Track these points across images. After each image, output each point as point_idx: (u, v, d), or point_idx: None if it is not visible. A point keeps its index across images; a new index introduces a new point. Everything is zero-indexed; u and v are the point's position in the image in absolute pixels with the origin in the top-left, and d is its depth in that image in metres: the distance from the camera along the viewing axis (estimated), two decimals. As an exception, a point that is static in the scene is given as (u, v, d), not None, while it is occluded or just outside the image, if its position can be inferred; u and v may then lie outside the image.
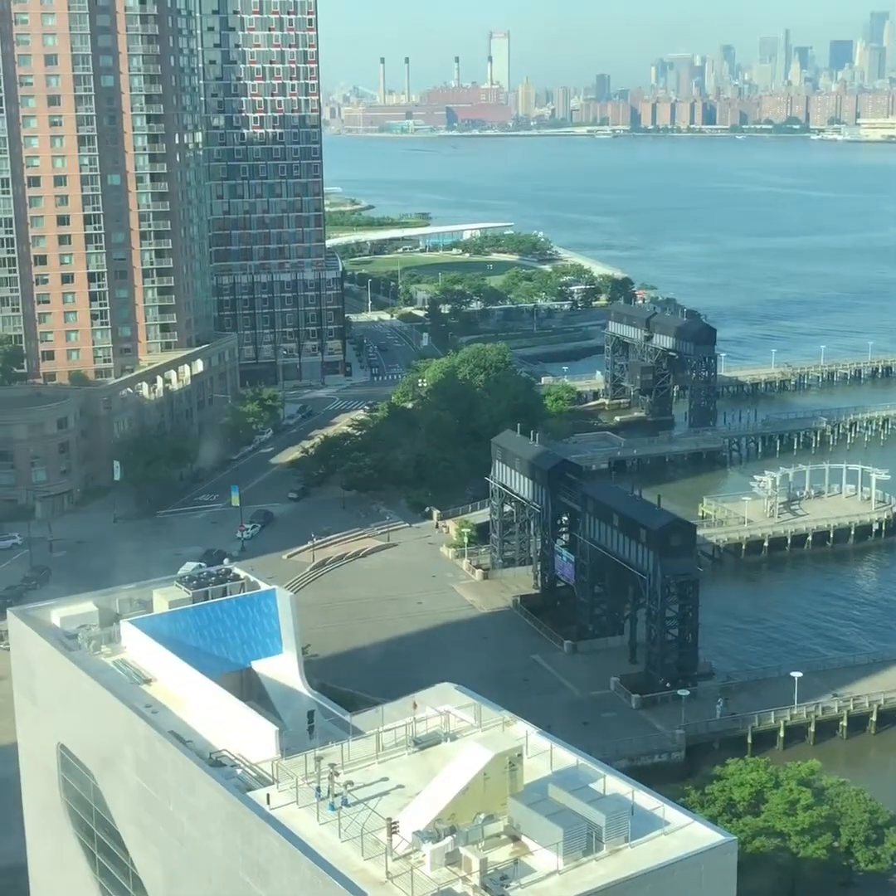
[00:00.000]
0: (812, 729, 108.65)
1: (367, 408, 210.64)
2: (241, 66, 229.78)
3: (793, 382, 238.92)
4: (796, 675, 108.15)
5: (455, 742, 46.88)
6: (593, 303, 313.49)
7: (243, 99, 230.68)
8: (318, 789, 43.47)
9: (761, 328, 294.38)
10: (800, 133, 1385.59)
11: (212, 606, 57.64)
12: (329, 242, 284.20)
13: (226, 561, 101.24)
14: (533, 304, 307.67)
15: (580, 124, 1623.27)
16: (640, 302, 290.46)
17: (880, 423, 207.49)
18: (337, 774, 44.08)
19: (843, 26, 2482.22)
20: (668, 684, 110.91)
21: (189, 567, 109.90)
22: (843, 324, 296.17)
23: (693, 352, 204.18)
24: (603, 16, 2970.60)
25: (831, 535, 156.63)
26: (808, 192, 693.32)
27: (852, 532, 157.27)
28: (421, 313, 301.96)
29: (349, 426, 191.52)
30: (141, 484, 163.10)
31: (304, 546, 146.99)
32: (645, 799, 42.29)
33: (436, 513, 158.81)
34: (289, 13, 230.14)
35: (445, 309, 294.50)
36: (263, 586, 59.73)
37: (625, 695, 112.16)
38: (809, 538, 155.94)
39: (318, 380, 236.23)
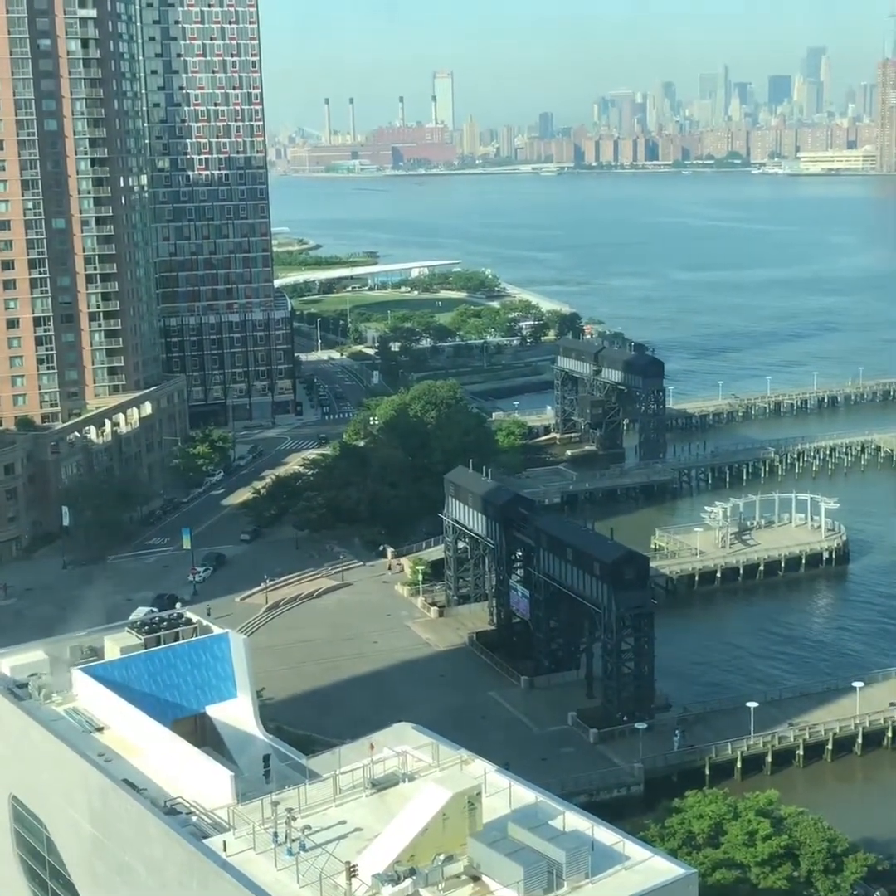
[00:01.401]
0: (769, 759, 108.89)
1: (319, 441, 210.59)
2: (186, 108, 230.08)
3: (740, 414, 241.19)
4: (752, 705, 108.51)
5: (413, 782, 46.61)
6: (542, 338, 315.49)
7: (188, 141, 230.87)
8: (276, 834, 43.02)
9: (708, 360, 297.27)
10: (741, 167, 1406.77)
11: (164, 652, 57.11)
12: (277, 282, 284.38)
13: (178, 605, 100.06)
14: (482, 341, 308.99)
15: (525, 162, 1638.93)
16: (588, 336, 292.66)
17: (827, 452, 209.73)
18: (294, 819, 43.69)
19: (781, 62, 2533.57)
20: (625, 718, 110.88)
21: (140, 612, 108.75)
22: (789, 355, 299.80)
23: (642, 385, 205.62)
24: (544, 55, 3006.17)
25: (783, 565, 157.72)
26: (750, 225, 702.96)
27: (803, 561, 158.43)
28: (371, 351, 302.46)
29: (301, 465, 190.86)
30: (90, 529, 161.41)
31: (258, 588, 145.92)
32: (605, 834, 42.21)
33: (390, 551, 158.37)
34: (232, 55, 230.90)
35: (395, 347, 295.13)
36: (216, 630, 59.23)
37: (582, 729, 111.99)
38: (761, 568, 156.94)
39: (269, 420, 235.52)
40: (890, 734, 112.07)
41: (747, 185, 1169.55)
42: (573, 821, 42.53)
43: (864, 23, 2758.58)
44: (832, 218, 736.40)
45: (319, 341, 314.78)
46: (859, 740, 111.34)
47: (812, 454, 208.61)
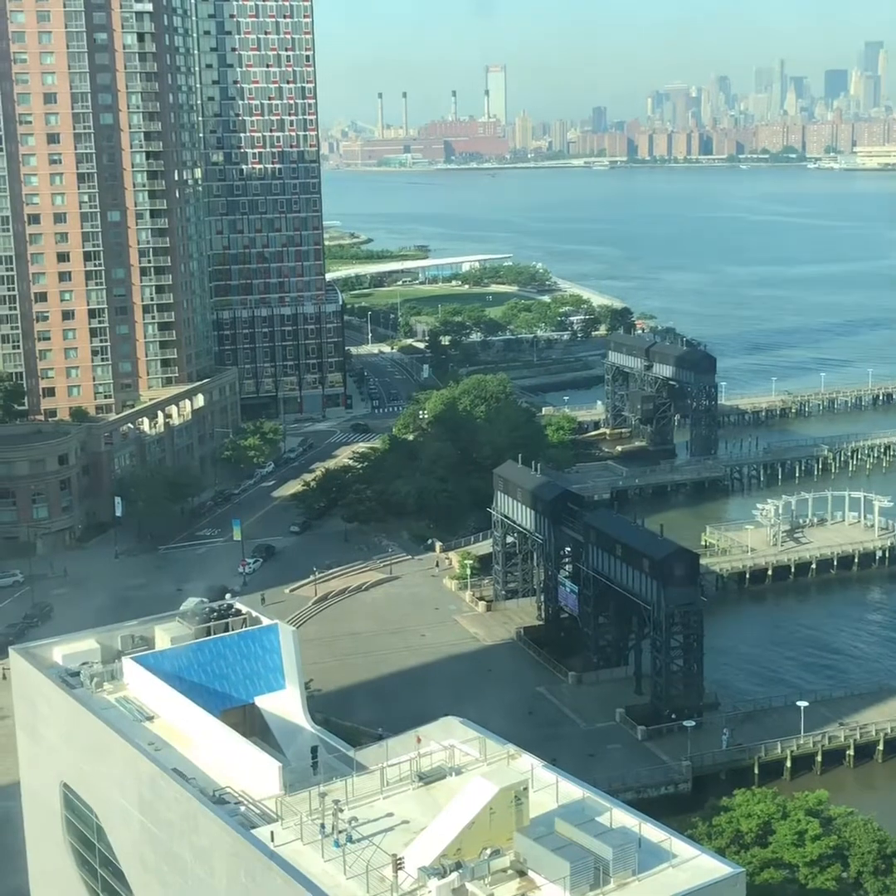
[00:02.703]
0: (819, 758, 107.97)
1: (355, 429, 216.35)
2: (240, 102, 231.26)
3: (794, 410, 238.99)
4: (802, 704, 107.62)
5: (460, 776, 46.55)
6: (593, 333, 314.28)
7: (242, 135, 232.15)
8: (323, 826, 43.12)
9: (761, 356, 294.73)
10: (796, 162, 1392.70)
11: (214, 642, 57.39)
12: (329, 276, 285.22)
13: (228, 596, 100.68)
14: (533, 335, 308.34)
15: (577, 156, 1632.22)
16: (640, 331, 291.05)
17: (882, 450, 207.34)
18: (341, 810, 43.76)
19: (837, 56, 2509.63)
20: (673, 715, 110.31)
21: (191, 603, 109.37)
22: (844, 351, 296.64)
23: (693, 380, 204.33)
24: (599, 48, 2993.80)
25: (835, 563, 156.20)
26: (807, 220, 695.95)
27: (856, 560, 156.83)
28: (421, 345, 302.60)
29: (350, 459, 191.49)
30: (142, 519, 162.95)
31: (307, 580, 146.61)
32: (652, 831, 41.95)
33: (438, 545, 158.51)
34: (287, 50, 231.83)
35: (445, 340, 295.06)
36: (265, 621, 59.48)
37: (630, 726, 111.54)
38: (813, 566, 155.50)
39: (319, 413, 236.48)
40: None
41: (802, 179, 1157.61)
42: (620, 817, 42.31)
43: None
44: (889, 213, 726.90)
45: (370, 335, 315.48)
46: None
47: (866, 452, 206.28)
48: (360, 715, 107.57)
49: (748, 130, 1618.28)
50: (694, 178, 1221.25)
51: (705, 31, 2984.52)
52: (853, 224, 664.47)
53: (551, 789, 44.30)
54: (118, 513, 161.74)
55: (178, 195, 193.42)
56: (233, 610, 60.78)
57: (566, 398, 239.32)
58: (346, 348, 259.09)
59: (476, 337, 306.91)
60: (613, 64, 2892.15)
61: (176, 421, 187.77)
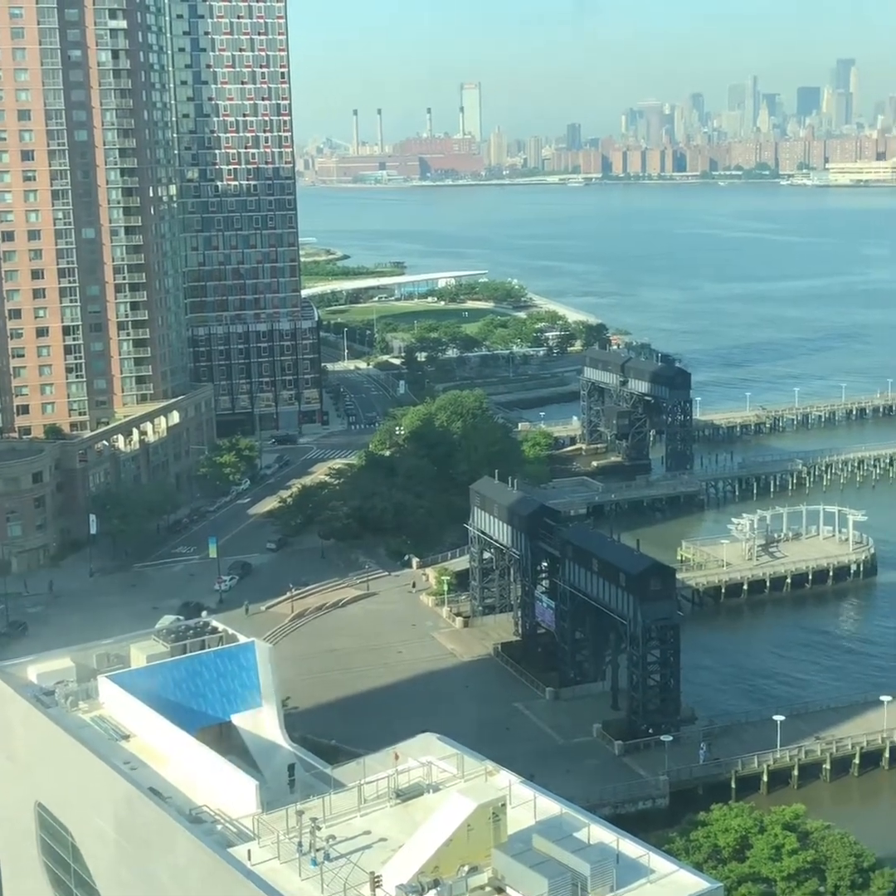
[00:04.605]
0: (795, 772, 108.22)
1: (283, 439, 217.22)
2: (215, 119, 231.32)
3: (768, 425, 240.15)
4: (779, 718, 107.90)
5: (438, 793, 46.51)
6: (568, 349, 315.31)
7: (217, 151, 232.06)
8: (300, 844, 42.99)
9: (736, 372, 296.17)
10: (769, 179, 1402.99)
11: (190, 660, 57.19)
12: (304, 292, 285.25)
13: (204, 614, 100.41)
14: (509, 351, 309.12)
15: (552, 173, 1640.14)
16: (615, 347, 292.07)
17: (856, 464, 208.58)
18: (318, 828, 43.64)
19: (810, 73, 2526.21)
20: (650, 730, 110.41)
21: (167, 620, 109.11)
22: (817, 367, 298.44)
23: (668, 396, 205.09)
24: (572, 66, 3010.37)
25: (810, 577, 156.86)
26: (781, 236, 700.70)
27: (831, 573, 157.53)
28: (397, 361, 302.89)
29: (327, 475, 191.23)
30: (117, 537, 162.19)
31: (283, 597, 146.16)
32: (630, 847, 41.98)
33: (415, 561, 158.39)
34: (261, 67, 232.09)
35: (422, 356, 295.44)
36: (242, 639, 59.32)
37: (607, 741, 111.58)
38: (788, 580, 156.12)
39: (295, 429, 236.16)
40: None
41: (776, 196, 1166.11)
42: (598, 833, 42.33)
43: (894, 34, 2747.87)
44: (862, 229, 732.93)
45: (346, 351, 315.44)
46: (887, 755, 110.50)
47: (840, 466, 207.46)
48: (338, 732, 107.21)
49: (722, 147, 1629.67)
50: (668, 195, 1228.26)
51: (678, 48, 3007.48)
52: (827, 240, 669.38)
53: (529, 805, 44.31)
54: (93, 530, 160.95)
55: (153, 212, 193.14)
56: (209, 628, 60.61)
57: (542, 414, 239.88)
58: (322, 364, 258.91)
59: (452, 353, 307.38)
60: (587, 81, 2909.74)
61: (151, 438, 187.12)
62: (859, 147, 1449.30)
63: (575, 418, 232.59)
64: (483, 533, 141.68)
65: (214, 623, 61.65)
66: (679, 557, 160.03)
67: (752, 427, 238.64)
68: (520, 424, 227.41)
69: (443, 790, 46.56)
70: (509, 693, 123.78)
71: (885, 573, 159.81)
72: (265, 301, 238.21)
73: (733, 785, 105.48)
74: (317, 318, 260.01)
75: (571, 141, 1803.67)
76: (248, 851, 43.12)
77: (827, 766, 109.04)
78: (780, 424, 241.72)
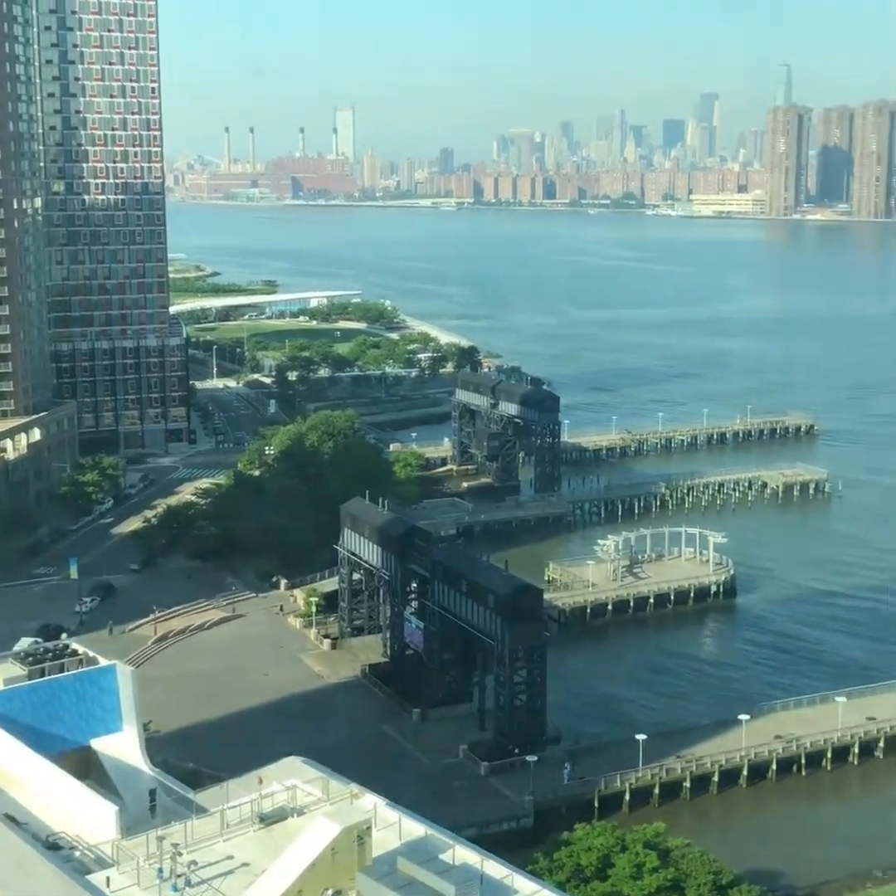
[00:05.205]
0: (657, 791, 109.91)
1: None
2: (83, 132, 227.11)
3: (633, 449, 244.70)
4: (641, 737, 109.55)
5: (302, 817, 46.16)
6: (440, 370, 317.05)
7: (84, 165, 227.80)
8: (161, 870, 42.25)
9: (603, 396, 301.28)
10: (636, 208, 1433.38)
11: (48, 683, 55.86)
12: (173, 309, 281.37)
13: (64, 636, 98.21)
14: (381, 372, 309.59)
15: (425, 196, 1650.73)
16: (486, 370, 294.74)
17: (716, 487, 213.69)
18: (180, 854, 42.93)
19: (675, 106, 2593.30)
20: (516, 750, 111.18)
21: (24, 643, 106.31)
22: (680, 393, 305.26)
23: (538, 419, 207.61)
24: (446, 92, 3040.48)
25: (672, 598, 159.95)
26: (646, 265, 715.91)
27: (692, 594, 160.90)
28: (268, 380, 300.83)
29: (194, 495, 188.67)
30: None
31: (147, 619, 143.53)
32: (494, 868, 42.21)
33: (283, 582, 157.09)
34: (131, 80, 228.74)
35: (293, 376, 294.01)
36: (103, 661, 58.13)
37: (474, 762, 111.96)
38: (651, 601, 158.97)
39: (162, 448, 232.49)
40: (774, 767, 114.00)
41: (642, 225, 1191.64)
42: (463, 854, 42.47)
43: (756, 70, 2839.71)
44: (724, 260, 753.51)
45: (215, 369, 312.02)
46: (745, 773, 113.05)
47: (701, 489, 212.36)
48: (201, 757, 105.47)
49: (590, 176, 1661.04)
50: (539, 222, 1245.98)
51: (548, 77, 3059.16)
52: (690, 270, 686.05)
53: (394, 828, 44.28)
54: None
55: (16, 224, 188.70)
56: (68, 650, 59.24)
57: (414, 435, 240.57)
58: (191, 382, 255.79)
59: (324, 373, 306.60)
60: (460, 107, 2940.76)
61: (11, 455, 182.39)
62: (722, 179, 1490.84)
63: (446, 439, 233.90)
64: (353, 554, 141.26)
65: (75, 645, 60.29)
66: (546, 578, 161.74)
67: (618, 450, 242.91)
68: (391, 445, 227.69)
69: (307, 814, 46.24)
70: (376, 715, 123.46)
71: (743, 595, 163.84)
72: (132, 317, 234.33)
73: (596, 804, 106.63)
74: (185, 335, 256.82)
75: (444, 165, 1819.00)
76: (108, 878, 42.20)
77: (687, 784, 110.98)
78: (645, 448, 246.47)
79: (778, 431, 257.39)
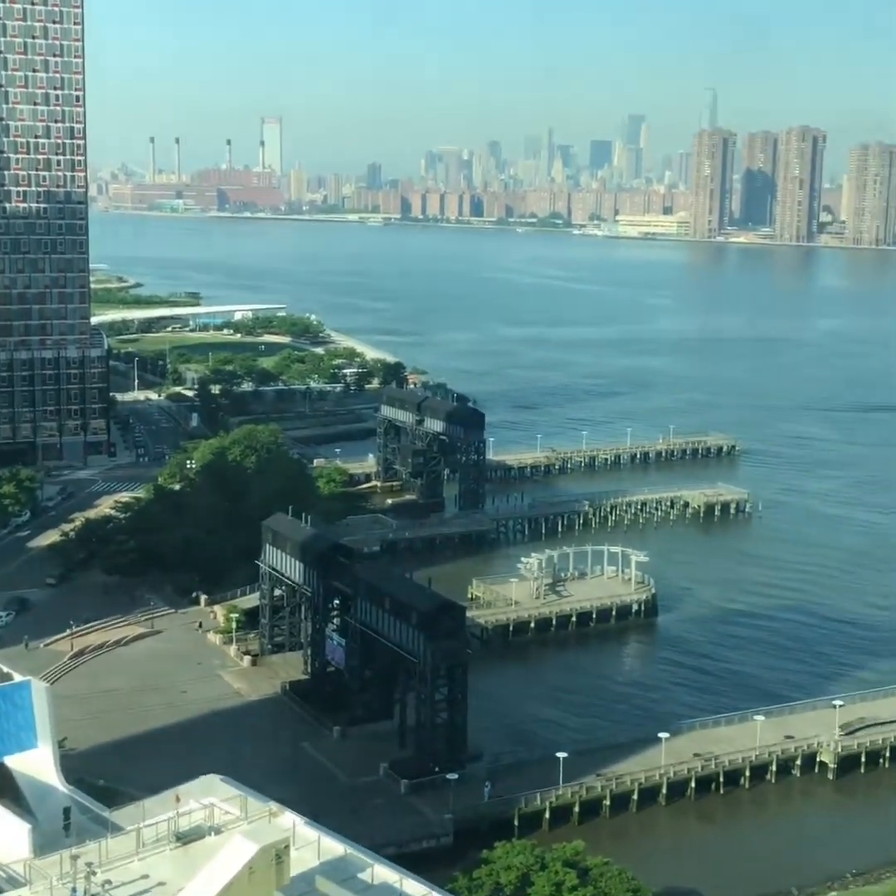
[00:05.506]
0: (577, 809, 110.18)
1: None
2: (5, 139, 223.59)
3: (557, 467, 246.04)
4: (561, 755, 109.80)
5: (219, 836, 45.53)
6: (366, 386, 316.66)
7: (6, 172, 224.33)
8: (74, 890, 41.46)
9: (528, 414, 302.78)
10: (563, 228, 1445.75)
11: (-40, 700, 54.53)
12: (94, 320, 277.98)
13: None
14: (306, 386, 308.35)
15: (352, 211, 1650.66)
16: (412, 386, 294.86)
17: (639, 506, 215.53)
18: (94, 873, 42.18)
19: (602, 127, 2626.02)
20: (437, 768, 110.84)
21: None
22: (604, 412, 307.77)
23: (463, 436, 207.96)
24: (374, 106, 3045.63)
25: (594, 616, 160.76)
26: (573, 284, 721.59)
27: (614, 612, 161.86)
28: (190, 393, 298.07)
29: (113, 508, 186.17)
30: None
31: (63, 634, 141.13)
32: (413, 887, 41.96)
33: (203, 598, 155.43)
34: (56, 88, 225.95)
35: (216, 389, 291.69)
36: (17, 677, 56.95)
37: (394, 780, 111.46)
38: (573, 619, 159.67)
39: (80, 460, 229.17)
40: (693, 785, 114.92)
41: (568, 245, 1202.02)
42: (382, 873, 42.17)
43: (682, 94, 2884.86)
44: (649, 280, 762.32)
45: (136, 381, 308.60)
46: (664, 791, 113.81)
47: (624, 508, 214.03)
48: (117, 774, 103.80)
49: (518, 194, 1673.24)
50: (466, 239, 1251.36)
51: (476, 95, 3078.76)
52: (615, 289, 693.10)
53: (313, 846, 43.86)
54: None
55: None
56: (-19, 666, 57.94)
57: (338, 450, 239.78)
58: (111, 394, 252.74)
59: (247, 387, 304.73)
60: (388, 122, 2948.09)
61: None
62: (647, 201, 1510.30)
63: (371, 455, 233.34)
64: (274, 570, 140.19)
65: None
66: (470, 596, 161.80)
67: (542, 468, 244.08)
68: (315, 460, 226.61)
69: (225, 832, 45.62)
70: (296, 732, 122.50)
71: (664, 614, 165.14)
72: (52, 327, 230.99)
73: (516, 822, 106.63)
74: (107, 347, 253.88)
75: (372, 180, 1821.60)
76: (18, 900, 41.24)
77: (607, 802, 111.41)
78: (569, 466, 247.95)
79: (700, 451, 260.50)
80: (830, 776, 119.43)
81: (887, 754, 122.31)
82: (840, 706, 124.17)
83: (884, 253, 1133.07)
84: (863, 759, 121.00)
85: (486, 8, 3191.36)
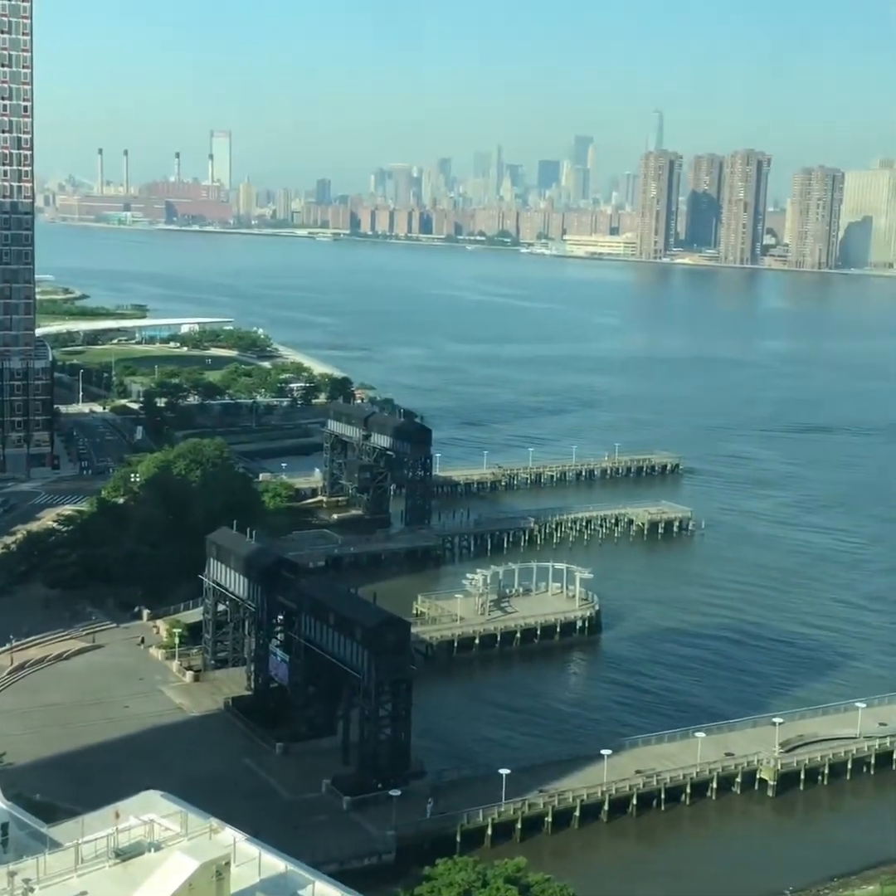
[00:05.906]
0: (519, 825, 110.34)
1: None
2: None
3: (503, 483, 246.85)
4: (504, 771, 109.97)
5: (159, 852, 45.24)
6: (313, 401, 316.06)
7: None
8: (10, 908, 40.95)
9: (475, 430, 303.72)
10: (511, 246, 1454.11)
11: None
12: (39, 331, 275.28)
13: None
14: (252, 400, 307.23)
15: (301, 226, 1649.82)
16: (359, 401, 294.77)
17: (584, 523, 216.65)
18: (32, 890, 41.80)
19: (551, 147, 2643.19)
20: (379, 785, 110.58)
21: None
22: (550, 429, 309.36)
23: (409, 451, 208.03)
24: (325, 121, 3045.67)
25: (538, 632, 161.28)
26: (520, 302, 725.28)
27: (558, 629, 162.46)
28: (136, 406, 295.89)
29: (55, 521, 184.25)
30: None
31: (2, 648, 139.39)
32: (354, 903, 41.90)
33: (146, 612, 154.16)
34: (3, 99, 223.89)
35: (161, 402, 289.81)
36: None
37: (336, 796, 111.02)
38: (518, 635, 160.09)
39: (23, 472, 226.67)
40: (635, 802, 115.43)
41: (516, 263, 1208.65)
42: (322, 890, 42.13)
43: (630, 116, 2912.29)
44: (595, 299, 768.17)
45: (81, 393, 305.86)
46: (606, 807, 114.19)
47: (569, 525, 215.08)
48: (56, 790, 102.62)
49: (467, 212, 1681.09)
50: (415, 256, 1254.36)
51: (426, 112, 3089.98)
52: (562, 308, 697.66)
53: (254, 863, 43.71)
54: None
55: None
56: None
57: (284, 465, 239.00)
58: (56, 406, 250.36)
59: (194, 400, 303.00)
60: (338, 138, 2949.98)
61: None
62: (595, 221, 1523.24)
63: (317, 470, 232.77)
64: (218, 584, 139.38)
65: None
66: (415, 611, 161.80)
67: (489, 485, 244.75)
68: (261, 475, 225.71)
69: (165, 849, 45.35)
70: (238, 748, 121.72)
71: (607, 630, 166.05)
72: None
73: (459, 839, 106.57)
74: (51, 359, 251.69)
75: (321, 196, 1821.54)
76: (-48, 918, 40.73)
77: (549, 818, 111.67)
78: (515, 483, 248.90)
79: (644, 469, 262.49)
80: (770, 793, 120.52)
81: (826, 771, 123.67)
82: (780, 724, 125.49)
83: (826, 276, 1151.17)
84: (802, 776, 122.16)
85: (436, 25, 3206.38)
